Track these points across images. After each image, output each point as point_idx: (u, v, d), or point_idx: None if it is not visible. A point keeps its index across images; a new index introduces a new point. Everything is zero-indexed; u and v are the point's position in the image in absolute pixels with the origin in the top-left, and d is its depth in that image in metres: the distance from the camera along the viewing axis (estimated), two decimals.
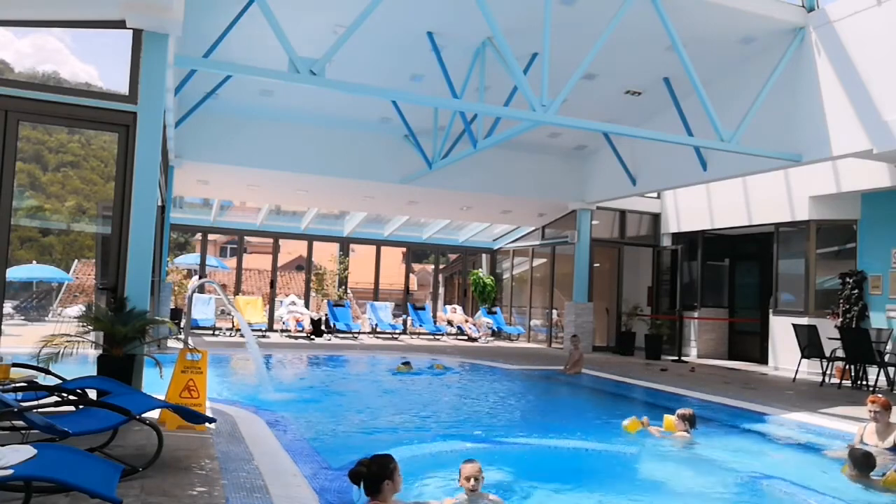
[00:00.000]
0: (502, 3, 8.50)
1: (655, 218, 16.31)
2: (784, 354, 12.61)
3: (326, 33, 9.14)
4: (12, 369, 4.87)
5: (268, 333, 16.29)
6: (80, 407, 4.44)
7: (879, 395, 6.19)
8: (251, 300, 16.50)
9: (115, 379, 5.09)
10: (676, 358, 14.02)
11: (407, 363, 10.99)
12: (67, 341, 5.45)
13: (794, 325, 11.18)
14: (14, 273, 15.52)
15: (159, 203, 9.78)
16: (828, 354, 10.56)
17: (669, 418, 6.79)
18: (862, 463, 5.33)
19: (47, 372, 5.04)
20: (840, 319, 11.61)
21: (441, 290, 23.51)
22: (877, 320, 11.31)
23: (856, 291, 11.53)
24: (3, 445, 3.01)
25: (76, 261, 20.00)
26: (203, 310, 15.47)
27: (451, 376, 11.06)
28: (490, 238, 19.94)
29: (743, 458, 6.18)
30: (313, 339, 15.54)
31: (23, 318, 15.95)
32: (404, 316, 18.44)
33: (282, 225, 18.13)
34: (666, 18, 8.52)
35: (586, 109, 11.32)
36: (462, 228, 19.62)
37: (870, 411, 6.13)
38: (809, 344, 10.76)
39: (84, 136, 20.35)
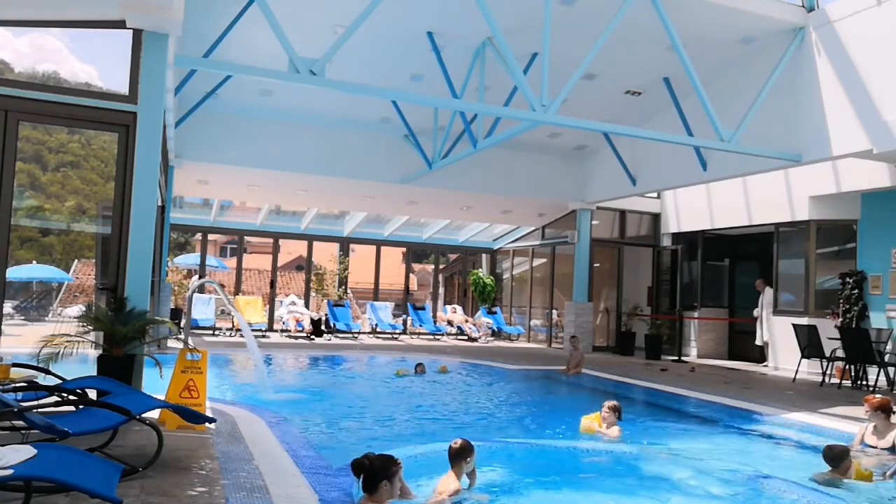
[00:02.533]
0: (502, 3, 8.50)
1: (655, 218, 16.31)
2: (784, 354, 12.61)
3: (326, 33, 9.14)
4: (12, 369, 4.87)
5: (268, 333, 16.30)
6: (80, 407, 4.44)
7: (874, 396, 6.20)
8: (251, 300, 16.50)
9: (115, 379, 5.09)
10: (676, 358, 14.02)
11: (420, 364, 10.87)
12: (67, 341, 5.45)
13: (794, 325, 11.18)
14: (14, 273, 15.52)
15: (159, 203, 9.78)
16: (828, 354, 10.56)
17: (590, 417, 6.68)
18: (828, 458, 5.34)
19: (47, 372, 5.04)
20: (840, 319, 11.60)
21: (441, 290, 23.51)
22: (877, 320, 11.31)
23: (856, 291, 11.53)
24: (3, 445, 3.01)
25: (76, 261, 20.00)
26: (203, 310, 15.47)
27: (453, 376, 11.05)
28: (490, 238, 19.94)
29: (743, 458, 6.18)
30: (313, 339, 15.54)
31: (23, 318, 15.95)
32: (404, 316, 18.44)
33: (282, 225, 18.13)
34: (666, 18, 8.53)
35: (586, 109, 11.32)
36: (462, 228, 19.62)
37: (865, 412, 6.15)
38: (809, 344, 10.76)
39: (84, 136, 20.34)
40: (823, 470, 5.36)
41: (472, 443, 4.52)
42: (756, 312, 13.50)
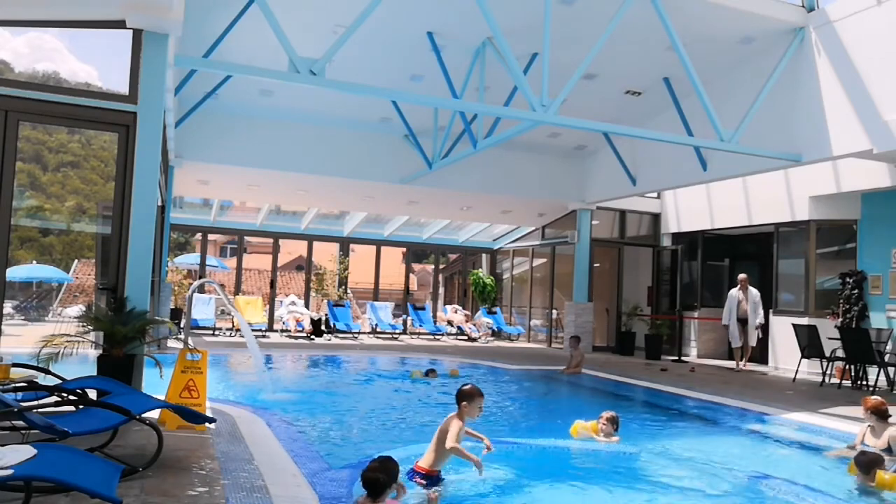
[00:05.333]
0: (502, 3, 8.50)
1: (655, 218, 16.31)
2: (784, 354, 12.61)
3: (326, 33, 9.14)
4: (12, 369, 4.87)
5: (268, 333, 16.30)
6: (80, 407, 4.44)
7: (869, 398, 6.21)
8: (251, 300, 16.50)
9: (115, 379, 5.09)
10: (676, 358, 14.02)
11: (432, 371, 10.56)
12: (67, 341, 5.45)
13: (794, 325, 11.19)
14: (14, 273, 15.52)
15: (159, 203, 9.78)
16: (828, 354, 10.56)
17: (584, 424, 6.54)
18: (865, 467, 5.29)
19: (47, 372, 5.04)
20: (840, 319, 11.61)
21: (441, 290, 23.51)
22: (877, 320, 11.31)
23: (856, 291, 11.54)
24: (3, 445, 3.01)
25: (76, 261, 20.02)
26: (203, 310, 15.47)
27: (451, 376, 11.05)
28: (490, 238, 19.94)
29: (743, 458, 6.18)
30: (313, 339, 15.54)
31: (23, 318, 15.95)
32: (404, 316, 18.44)
33: (282, 225, 18.13)
34: (666, 18, 8.53)
35: (586, 109, 11.31)
36: (462, 228, 19.62)
37: (863, 413, 6.17)
38: (809, 344, 10.76)
39: (84, 136, 20.35)
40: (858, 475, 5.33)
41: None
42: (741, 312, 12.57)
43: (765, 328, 12.86)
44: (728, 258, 15.69)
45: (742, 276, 12.87)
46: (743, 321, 12.55)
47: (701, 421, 8.08)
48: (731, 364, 13.37)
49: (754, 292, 12.63)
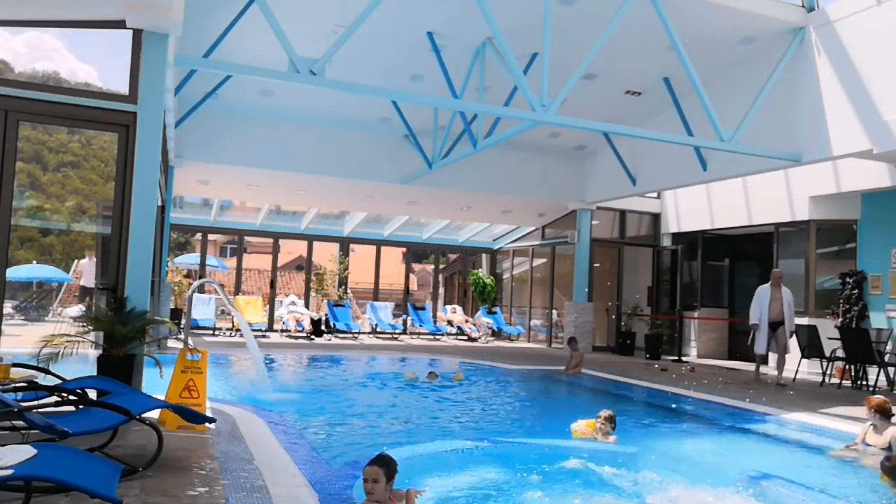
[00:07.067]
0: (502, 3, 8.50)
1: (655, 218, 16.31)
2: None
3: (326, 33, 9.14)
4: (12, 369, 4.87)
5: (268, 333, 16.30)
6: (80, 407, 4.44)
7: (873, 397, 6.22)
8: (251, 300, 16.50)
9: (115, 379, 5.09)
10: (676, 358, 14.02)
11: (432, 373, 10.48)
12: (67, 341, 5.45)
13: (794, 325, 11.17)
14: (14, 273, 15.51)
15: (159, 203, 9.78)
16: (828, 354, 10.56)
17: (584, 423, 6.52)
18: (886, 470, 5.25)
19: (47, 372, 5.04)
20: (840, 319, 11.60)
21: (441, 290, 23.51)
22: (877, 320, 11.30)
23: (856, 291, 11.53)
24: (3, 445, 3.01)
25: (76, 261, 20.00)
26: (203, 310, 15.48)
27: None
28: (490, 238, 19.94)
29: (743, 458, 6.18)
30: (313, 339, 15.54)
31: (23, 318, 15.94)
32: (404, 316, 18.45)
33: (282, 225, 18.13)
34: (666, 18, 8.53)
35: (586, 109, 11.31)
36: (462, 228, 19.62)
37: (866, 412, 6.17)
38: (809, 344, 10.76)
39: (84, 136, 20.32)
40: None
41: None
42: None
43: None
44: (728, 258, 15.68)
45: (776, 270, 11.14)
46: (773, 324, 10.67)
47: (701, 421, 8.08)
48: (731, 364, 13.33)
49: (788, 292, 10.78)
